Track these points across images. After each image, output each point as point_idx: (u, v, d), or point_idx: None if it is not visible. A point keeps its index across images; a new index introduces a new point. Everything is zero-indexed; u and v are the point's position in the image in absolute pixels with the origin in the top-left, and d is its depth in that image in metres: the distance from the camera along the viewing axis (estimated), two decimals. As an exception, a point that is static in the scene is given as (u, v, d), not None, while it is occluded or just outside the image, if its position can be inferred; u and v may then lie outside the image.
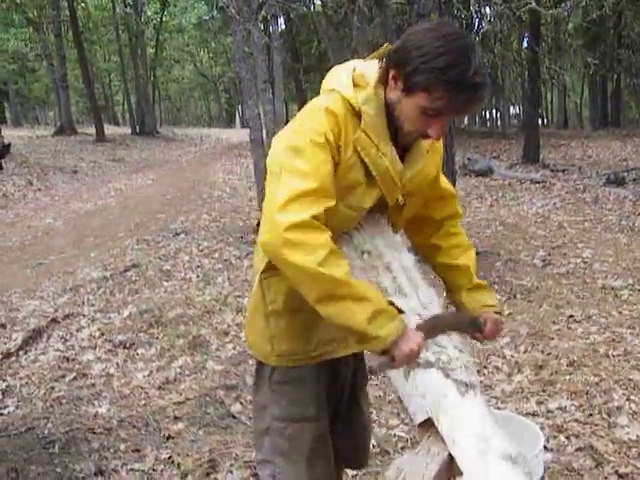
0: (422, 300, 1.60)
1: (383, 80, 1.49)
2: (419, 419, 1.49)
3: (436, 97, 1.40)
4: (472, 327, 1.67)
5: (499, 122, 27.25)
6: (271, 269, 1.62)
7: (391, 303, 1.45)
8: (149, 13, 27.06)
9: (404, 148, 1.57)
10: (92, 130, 21.13)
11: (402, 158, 1.56)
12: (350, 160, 1.48)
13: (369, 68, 1.53)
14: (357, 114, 1.49)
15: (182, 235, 7.25)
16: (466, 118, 27.15)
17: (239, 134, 26.09)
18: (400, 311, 1.45)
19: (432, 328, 1.52)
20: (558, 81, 21.88)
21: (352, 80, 1.52)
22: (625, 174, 10.56)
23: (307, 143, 1.43)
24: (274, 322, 1.66)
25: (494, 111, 29.24)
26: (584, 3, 10.42)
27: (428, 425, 1.47)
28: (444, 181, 1.80)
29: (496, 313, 1.72)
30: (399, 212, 1.64)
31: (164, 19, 26.43)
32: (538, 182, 10.63)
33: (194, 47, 36.11)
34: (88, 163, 16.25)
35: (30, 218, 9.85)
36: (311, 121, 1.46)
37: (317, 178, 1.40)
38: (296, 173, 1.40)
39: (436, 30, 1.41)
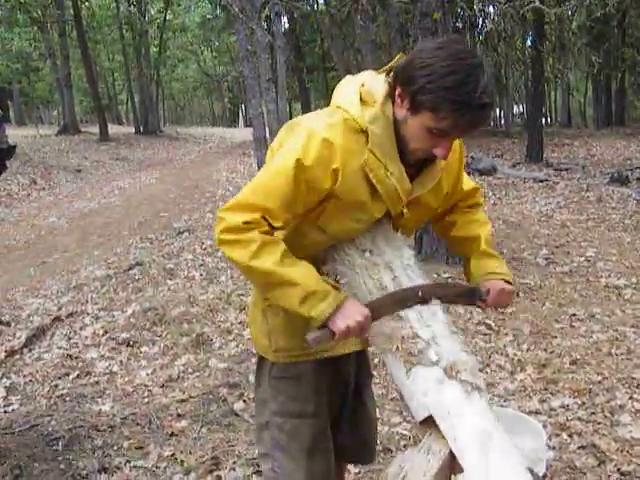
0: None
1: (391, 96, 1.47)
2: (420, 416, 1.49)
3: (442, 117, 1.38)
4: (471, 297, 1.65)
5: (502, 121, 27.20)
6: None
7: (326, 281, 1.47)
8: (153, 12, 27.13)
9: (416, 167, 1.55)
10: (96, 129, 21.19)
11: (413, 176, 1.55)
12: (351, 181, 1.47)
13: (377, 84, 1.51)
14: (364, 132, 1.47)
15: (185, 234, 7.26)
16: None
17: (242, 133, 26.13)
18: (335, 288, 1.47)
19: (388, 304, 1.51)
20: (562, 80, 21.86)
21: (359, 96, 1.50)
22: (629, 173, 10.52)
23: (283, 161, 1.44)
24: (271, 318, 1.68)
25: (498, 110, 29.17)
26: (588, 2, 10.38)
27: (429, 423, 1.47)
28: (467, 183, 1.77)
29: (506, 282, 1.67)
30: (398, 220, 1.63)
31: (168, 18, 26.45)
32: (541, 181, 10.61)
33: (198, 46, 36.08)
34: (92, 162, 16.29)
35: (34, 217, 9.88)
36: (297, 142, 1.45)
37: (270, 199, 1.43)
38: (257, 186, 1.47)
39: (444, 48, 1.39)
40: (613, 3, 10.21)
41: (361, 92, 1.51)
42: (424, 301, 1.55)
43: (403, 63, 1.44)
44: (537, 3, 9.96)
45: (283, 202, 1.44)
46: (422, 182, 1.57)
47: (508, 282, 1.68)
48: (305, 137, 1.45)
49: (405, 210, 1.58)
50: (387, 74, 1.51)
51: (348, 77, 1.62)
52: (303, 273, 1.44)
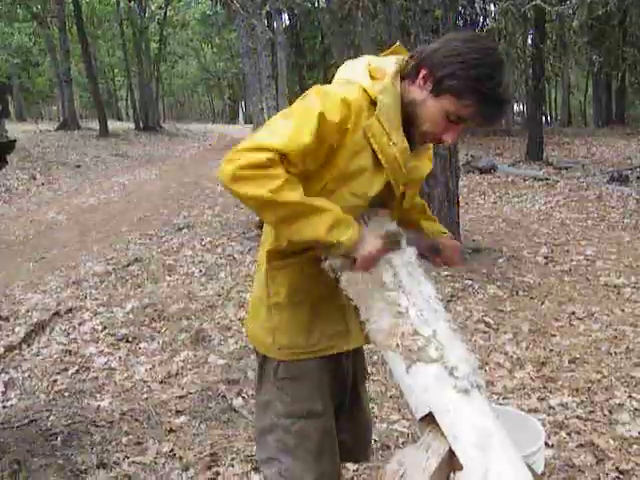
0: (424, 295, 1.60)
1: (403, 76, 1.53)
2: (420, 414, 1.49)
3: (464, 104, 1.46)
4: (431, 251, 1.75)
5: (503, 119, 27.19)
6: (276, 261, 1.63)
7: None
8: (153, 8, 27.09)
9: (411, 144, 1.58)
10: (95, 125, 21.16)
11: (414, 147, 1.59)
12: (357, 145, 1.49)
13: (384, 62, 1.57)
14: (373, 103, 1.50)
15: (185, 230, 7.25)
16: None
17: (242, 130, 26.09)
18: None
19: (391, 239, 1.57)
20: (562, 78, 21.84)
21: (368, 73, 1.54)
22: (629, 172, 10.54)
23: (306, 111, 1.43)
24: (277, 314, 1.66)
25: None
26: (589, 0, 10.37)
27: (429, 420, 1.47)
28: None
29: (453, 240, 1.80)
30: (399, 204, 1.65)
31: (168, 14, 26.42)
32: (541, 179, 10.61)
33: (198, 42, 36.06)
34: (91, 158, 16.27)
35: (33, 212, 9.87)
36: (318, 98, 1.45)
37: (291, 144, 1.39)
38: (273, 131, 1.43)
39: (475, 42, 1.48)
40: (614, 2, 10.20)
41: (370, 69, 1.55)
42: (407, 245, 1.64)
43: (432, 48, 1.51)
44: (538, 1, 9.96)
45: (302, 149, 1.41)
46: (415, 153, 1.61)
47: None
48: (325, 96, 1.46)
49: (402, 187, 1.61)
50: (402, 60, 1.56)
51: (349, 61, 1.65)
52: (329, 203, 1.46)
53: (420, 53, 1.53)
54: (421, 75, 1.50)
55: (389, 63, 1.56)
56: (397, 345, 1.52)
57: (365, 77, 1.54)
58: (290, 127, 1.42)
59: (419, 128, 1.53)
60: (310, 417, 1.68)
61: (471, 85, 1.43)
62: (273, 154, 1.38)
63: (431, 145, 1.70)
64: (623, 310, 4.30)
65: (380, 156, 1.51)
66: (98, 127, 20.55)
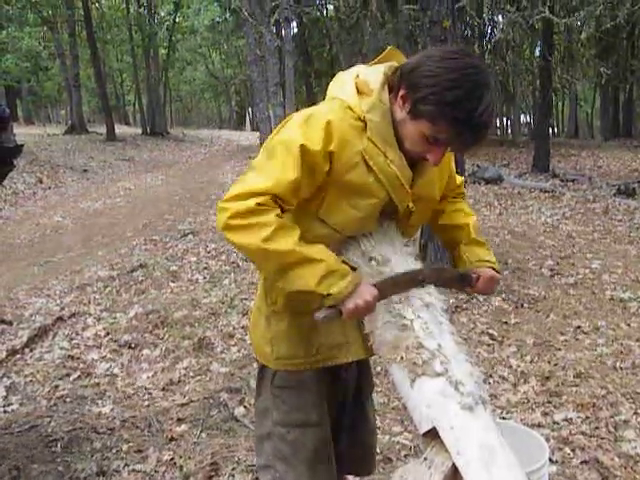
0: (429, 307, 1.58)
1: (390, 89, 1.48)
2: (424, 428, 1.47)
3: (439, 130, 1.39)
4: (461, 282, 1.69)
5: (509, 130, 27.18)
6: None
7: (344, 262, 1.47)
8: (162, 14, 27.21)
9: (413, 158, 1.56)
10: (103, 129, 21.23)
11: (412, 166, 1.55)
12: (348, 163, 1.46)
13: (372, 74, 1.52)
14: (362, 121, 1.47)
15: (190, 236, 7.25)
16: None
17: (249, 136, 26.16)
18: (353, 269, 1.46)
19: (392, 285, 1.52)
20: (570, 90, 21.84)
21: (355, 87, 1.50)
22: (636, 185, 10.49)
23: (287, 146, 1.42)
24: (275, 324, 1.66)
25: (505, 119, 29.18)
26: (598, 13, 10.38)
27: (432, 435, 1.45)
28: (457, 178, 1.81)
29: (494, 270, 1.71)
30: (407, 219, 1.62)
31: (177, 20, 26.53)
32: (548, 191, 10.58)
33: (206, 49, 36.20)
34: (98, 162, 16.32)
35: (39, 216, 9.90)
36: (300, 128, 1.44)
37: (277, 184, 1.39)
38: (260, 172, 1.43)
39: (454, 60, 1.38)
40: (623, 15, 10.20)
41: (357, 83, 1.51)
42: (421, 284, 1.57)
43: (410, 66, 1.44)
44: (546, 13, 9.97)
45: (291, 186, 1.41)
46: (421, 168, 1.57)
47: (495, 270, 1.72)
48: (306, 123, 1.44)
49: (411, 204, 1.57)
50: (392, 70, 1.51)
51: (340, 73, 1.62)
52: (324, 252, 1.43)
53: (402, 69, 1.47)
54: (400, 95, 1.45)
55: (376, 75, 1.51)
56: (401, 358, 1.51)
57: (351, 93, 1.49)
58: (275, 167, 1.41)
59: (403, 145, 1.49)
60: (305, 427, 1.67)
61: (444, 110, 1.36)
62: (263, 198, 1.37)
63: (447, 161, 1.63)
64: (629, 325, 4.27)
65: (381, 176, 1.48)
66: (105, 132, 20.63)
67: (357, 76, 1.53)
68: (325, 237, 1.52)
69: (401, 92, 1.44)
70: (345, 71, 1.61)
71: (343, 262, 1.47)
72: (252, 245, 1.38)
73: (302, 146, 1.40)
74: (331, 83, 1.61)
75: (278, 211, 1.40)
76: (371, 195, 1.50)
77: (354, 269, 1.47)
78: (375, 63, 1.57)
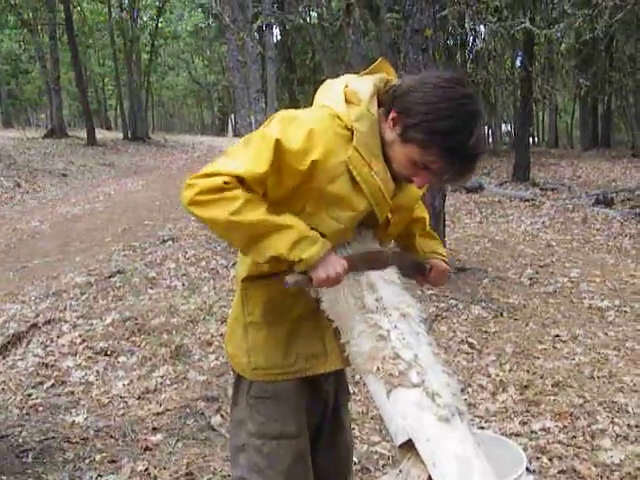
0: (406, 318, 1.57)
1: (380, 104, 1.47)
2: (400, 440, 1.46)
3: (429, 157, 1.39)
4: (416, 270, 1.73)
5: (490, 139, 27.43)
6: (252, 279, 1.60)
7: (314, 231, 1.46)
8: (145, 19, 27.09)
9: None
10: (83, 134, 21.04)
11: (395, 177, 1.54)
12: (333, 172, 1.44)
13: (362, 85, 1.51)
14: (349, 130, 1.45)
15: (169, 242, 7.18)
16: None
17: (231, 142, 26.05)
18: (322, 235, 1.46)
19: (360, 261, 1.54)
20: (550, 101, 22.08)
21: (344, 96, 1.49)
22: (614, 195, 10.63)
23: (263, 139, 1.42)
24: (252, 334, 1.63)
25: (486, 128, 29.44)
26: (577, 25, 10.52)
27: (409, 446, 1.44)
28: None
29: (445, 263, 1.76)
30: (385, 229, 1.61)
31: (160, 25, 26.43)
32: (527, 200, 10.67)
33: (189, 54, 36.12)
34: (78, 167, 16.15)
35: (16, 220, 9.76)
36: (281, 125, 1.43)
37: (246, 169, 1.39)
38: (231, 158, 1.44)
39: (448, 89, 1.38)
40: (601, 27, 10.34)
41: (346, 92, 1.50)
42: (385, 265, 1.59)
43: (404, 89, 1.43)
44: (527, 24, 10.08)
45: (257, 177, 1.40)
46: (401, 184, 1.56)
47: (446, 262, 1.77)
48: (288, 122, 1.43)
49: (390, 215, 1.57)
50: (382, 82, 1.51)
51: (329, 80, 1.61)
52: (293, 219, 1.42)
53: (395, 90, 1.45)
54: (391, 116, 1.44)
55: (366, 85, 1.50)
56: (378, 369, 1.49)
57: (340, 102, 1.48)
58: (247, 155, 1.42)
59: (390, 165, 1.48)
60: (282, 438, 1.64)
61: (436, 139, 1.36)
62: (230, 178, 1.38)
63: None
64: (606, 334, 4.30)
65: (363, 187, 1.47)
66: (86, 136, 20.44)
67: (346, 85, 1.52)
68: None
69: (392, 114, 1.43)
70: (334, 79, 1.60)
71: (315, 229, 1.46)
72: (220, 218, 1.38)
73: (278, 142, 1.39)
74: (319, 90, 1.59)
75: (245, 188, 1.40)
76: (352, 207, 1.49)
77: (324, 236, 1.47)
78: (366, 73, 1.56)
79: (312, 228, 1.46)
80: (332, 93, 1.53)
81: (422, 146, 1.38)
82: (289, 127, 1.42)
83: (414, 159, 1.41)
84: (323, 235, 1.47)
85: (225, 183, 1.38)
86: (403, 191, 1.57)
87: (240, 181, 1.39)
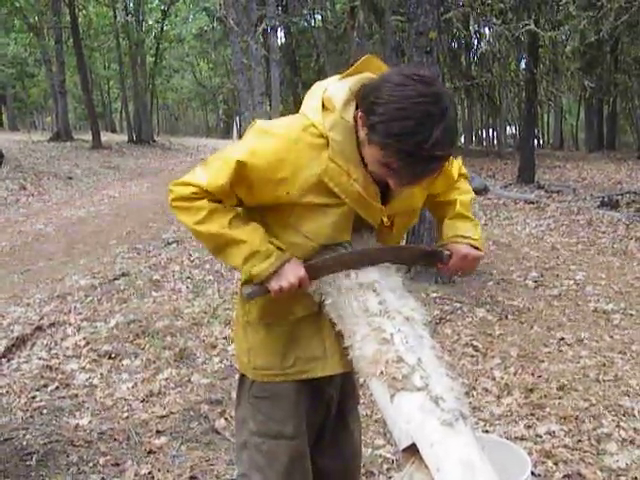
0: (409, 321, 1.56)
1: (357, 105, 1.44)
2: (403, 444, 1.45)
3: (389, 159, 1.35)
4: (428, 259, 1.64)
5: (495, 141, 27.38)
6: (249, 280, 1.60)
7: (272, 242, 1.49)
8: (150, 22, 27.18)
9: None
10: (89, 137, 21.10)
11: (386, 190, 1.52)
12: (307, 184, 1.45)
13: (338, 90, 1.48)
14: (325, 138, 1.44)
15: (174, 245, 7.20)
16: (462, 137, 27.30)
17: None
18: (280, 249, 1.48)
19: (326, 266, 1.52)
20: (555, 103, 22.05)
21: (322, 102, 1.48)
22: (619, 197, 10.58)
23: (229, 156, 1.47)
24: (251, 334, 1.66)
25: (490, 130, 29.42)
26: (582, 27, 10.51)
27: (412, 450, 1.43)
28: (454, 169, 1.74)
29: (475, 248, 1.63)
30: (389, 232, 1.60)
31: (165, 29, 26.52)
32: (532, 202, 10.64)
33: (194, 57, 36.21)
34: (83, 170, 16.19)
35: (21, 223, 9.78)
36: (251, 140, 1.48)
37: (210, 184, 1.46)
38: (204, 170, 1.50)
39: (406, 86, 1.32)
40: (606, 29, 10.33)
41: (323, 98, 1.48)
42: (373, 263, 1.55)
43: (369, 88, 1.39)
44: (532, 26, 10.07)
45: (222, 191, 1.47)
46: (398, 196, 1.54)
47: (477, 248, 1.64)
48: (260, 135, 1.47)
49: (386, 219, 1.55)
50: (358, 85, 1.47)
51: (317, 83, 1.60)
52: (250, 233, 1.48)
53: (363, 89, 1.42)
54: (359, 116, 1.41)
55: (341, 90, 1.47)
56: (381, 373, 1.49)
57: (316, 109, 1.47)
58: (214, 167, 1.48)
59: (367, 167, 1.46)
60: (279, 438, 1.66)
61: (391, 142, 1.31)
62: (197, 189, 1.46)
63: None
64: (612, 337, 4.28)
65: (343, 196, 1.46)
66: (91, 139, 20.50)
67: (325, 91, 1.50)
68: (299, 246, 1.52)
69: (360, 114, 1.41)
70: (320, 82, 1.59)
71: (272, 242, 1.49)
72: (188, 225, 1.51)
73: (238, 162, 1.43)
74: (308, 92, 1.59)
75: (213, 199, 1.49)
76: (336, 207, 1.49)
77: (281, 249, 1.49)
78: (349, 73, 1.52)
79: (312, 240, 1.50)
80: (312, 99, 1.52)
81: (381, 147, 1.34)
82: (259, 143, 1.45)
83: (379, 160, 1.38)
84: (322, 245, 1.50)
85: (193, 193, 1.48)
86: (399, 197, 1.54)
87: (206, 192, 1.47)
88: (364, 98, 1.39)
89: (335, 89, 1.50)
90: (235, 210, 1.52)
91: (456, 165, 1.75)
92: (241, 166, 1.44)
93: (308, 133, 1.44)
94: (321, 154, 1.44)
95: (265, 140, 1.45)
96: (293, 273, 1.47)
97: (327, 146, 1.44)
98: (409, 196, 1.58)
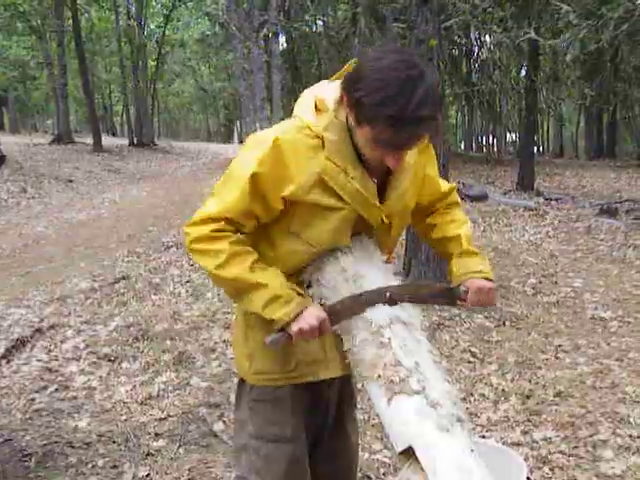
0: (407, 325, 1.58)
1: (342, 102, 1.46)
2: (400, 447, 1.47)
3: (379, 131, 1.37)
4: (446, 297, 1.65)
5: (495, 148, 27.42)
6: None
7: (298, 294, 1.51)
8: (152, 26, 27.27)
9: (380, 175, 1.55)
10: (90, 140, 21.13)
11: (385, 183, 1.55)
12: (308, 183, 1.47)
13: (330, 91, 1.52)
14: (320, 139, 1.47)
15: (173, 249, 7.21)
16: (462, 144, 27.34)
17: (236, 150, 26.10)
18: (300, 294, 1.50)
19: (345, 308, 1.53)
20: (555, 110, 22.10)
21: (315, 105, 1.51)
22: (618, 205, 10.60)
23: (239, 174, 1.48)
24: (252, 337, 1.66)
25: (491, 137, 29.46)
26: (582, 35, 10.54)
27: (409, 454, 1.45)
28: (443, 184, 1.77)
29: (487, 280, 1.63)
30: (387, 233, 1.62)
31: (167, 33, 26.59)
32: (532, 210, 10.66)
33: (195, 62, 36.27)
34: (84, 173, 16.22)
35: (22, 226, 9.79)
36: (252, 152, 1.48)
37: (229, 208, 1.47)
38: (216, 198, 1.51)
39: (379, 59, 1.37)
40: (606, 38, 10.36)
41: (316, 101, 1.51)
42: (392, 302, 1.56)
43: (351, 71, 1.44)
44: (532, 34, 10.11)
45: (242, 212, 1.48)
46: (394, 183, 1.56)
47: (489, 280, 1.65)
48: (256, 149, 1.48)
49: (385, 218, 1.57)
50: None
51: (306, 90, 1.63)
52: (270, 277, 1.48)
53: (345, 76, 1.46)
54: (345, 102, 1.44)
55: (333, 91, 1.50)
56: (379, 376, 1.50)
57: (310, 111, 1.50)
58: (227, 192, 1.49)
59: (363, 156, 1.48)
60: (278, 442, 1.67)
61: (376, 112, 1.34)
62: (216, 224, 1.47)
63: (412, 160, 1.59)
64: (609, 344, 4.29)
65: (342, 193, 1.48)
66: (92, 142, 20.53)
67: (317, 94, 1.53)
68: (301, 253, 1.53)
69: (344, 99, 1.43)
70: (311, 87, 1.62)
71: (292, 288, 1.50)
72: (208, 270, 1.50)
73: (252, 175, 1.45)
74: (300, 97, 1.62)
75: (234, 236, 1.48)
76: (337, 210, 1.50)
77: (301, 295, 1.51)
78: (337, 76, 1.56)
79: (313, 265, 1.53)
80: (304, 103, 1.55)
81: (369, 122, 1.37)
82: (260, 154, 1.46)
83: (370, 138, 1.40)
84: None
85: (213, 231, 1.47)
86: (397, 191, 1.57)
87: (227, 220, 1.47)
88: (345, 82, 1.43)
89: (326, 90, 1.53)
90: (255, 253, 1.51)
91: (444, 184, 1.78)
92: (255, 179, 1.45)
93: (303, 135, 1.47)
94: (318, 154, 1.46)
95: (265, 147, 1.46)
96: (314, 316, 1.49)
97: (323, 147, 1.46)
98: (403, 194, 1.59)
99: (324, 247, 1.54)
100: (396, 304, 1.56)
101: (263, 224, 1.55)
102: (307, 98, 1.56)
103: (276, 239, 1.55)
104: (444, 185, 1.77)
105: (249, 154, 1.49)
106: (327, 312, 1.52)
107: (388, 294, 1.56)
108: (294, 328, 1.48)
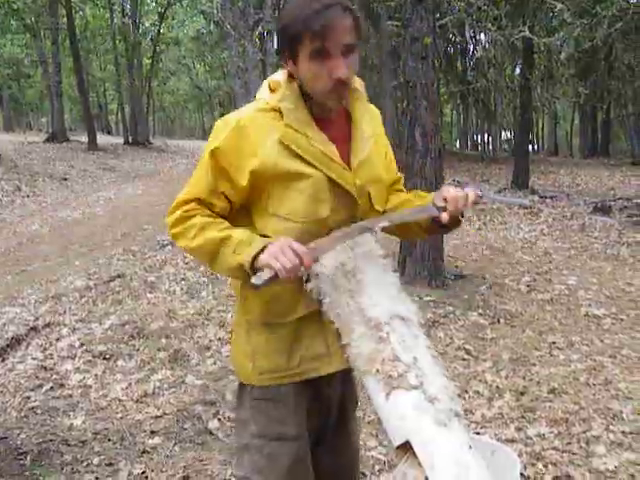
0: (405, 320, 1.59)
1: (290, 72, 1.55)
2: (397, 442, 1.47)
3: (306, 47, 1.44)
4: (427, 211, 1.62)
5: (490, 146, 27.49)
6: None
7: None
8: (147, 24, 27.21)
9: (345, 139, 1.59)
10: (84, 138, 21.08)
11: (348, 153, 1.58)
12: (273, 150, 1.50)
13: (279, 73, 1.62)
14: (278, 111, 1.53)
15: (169, 247, 7.20)
16: (457, 142, 27.37)
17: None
18: (266, 236, 1.52)
19: (318, 244, 1.52)
20: (549, 109, 22.16)
21: (269, 87, 1.60)
22: (612, 203, 10.65)
23: (203, 158, 1.57)
24: (255, 336, 1.64)
25: (485, 135, 29.53)
26: (576, 34, 10.58)
27: (406, 448, 1.45)
28: (398, 174, 1.83)
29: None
30: (371, 207, 1.63)
31: (161, 31, 26.54)
32: (526, 207, 10.70)
33: (190, 60, 36.24)
34: (78, 171, 16.18)
35: (17, 224, 9.78)
36: (214, 134, 1.56)
37: (196, 189, 1.55)
38: (189, 182, 1.59)
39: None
40: (600, 36, 10.41)
41: (269, 83, 1.61)
42: (369, 230, 1.58)
43: None
44: (527, 32, 10.14)
45: (210, 190, 1.54)
46: (355, 148, 1.60)
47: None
48: (218, 127, 1.56)
49: (359, 181, 1.57)
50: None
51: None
52: (236, 230, 1.52)
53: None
54: (285, 60, 1.51)
55: (282, 72, 1.60)
56: (377, 371, 1.50)
57: (265, 91, 1.60)
58: (195, 174, 1.58)
59: (316, 97, 1.53)
60: (282, 440, 1.65)
61: (293, 22, 1.44)
62: (187, 205, 1.55)
63: (371, 130, 1.63)
64: (602, 341, 4.32)
65: (307, 157, 1.52)
66: (87, 140, 20.48)
67: (271, 79, 1.63)
68: (285, 231, 1.53)
69: (283, 57, 1.52)
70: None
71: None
72: (187, 248, 1.55)
73: (212, 151, 1.53)
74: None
75: (206, 211, 1.55)
76: (307, 177, 1.52)
77: (267, 236, 1.52)
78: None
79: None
80: (262, 88, 1.64)
81: (296, 45, 1.45)
82: (222, 132, 1.54)
83: (307, 63, 1.46)
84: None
85: (184, 211, 1.54)
86: (360, 156, 1.59)
87: (196, 201, 1.54)
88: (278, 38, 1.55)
89: (277, 74, 1.63)
90: (226, 222, 1.55)
91: (399, 174, 1.84)
92: (216, 154, 1.52)
93: (261, 110, 1.54)
94: (277, 124, 1.52)
95: (226, 127, 1.54)
96: (285, 243, 1.44)
97: (281, 116, 1.53)
98: (368, 160, 1.61)
99: (305, 220, 1.55)
100: (373, 231, 1.57)
101: (245, 212, 1.57)
102: (263, 84, 1.65)
103: (258, 223, 1.57)
104: (399, 174, 1.84)
105: (212, 135, 1.56)
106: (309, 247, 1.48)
107: (364, 225, 1.58)
108: (273, 264, 1.41)
